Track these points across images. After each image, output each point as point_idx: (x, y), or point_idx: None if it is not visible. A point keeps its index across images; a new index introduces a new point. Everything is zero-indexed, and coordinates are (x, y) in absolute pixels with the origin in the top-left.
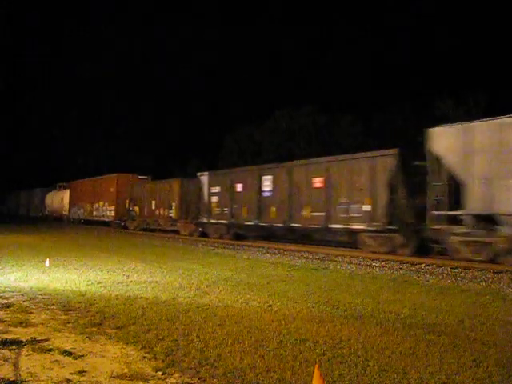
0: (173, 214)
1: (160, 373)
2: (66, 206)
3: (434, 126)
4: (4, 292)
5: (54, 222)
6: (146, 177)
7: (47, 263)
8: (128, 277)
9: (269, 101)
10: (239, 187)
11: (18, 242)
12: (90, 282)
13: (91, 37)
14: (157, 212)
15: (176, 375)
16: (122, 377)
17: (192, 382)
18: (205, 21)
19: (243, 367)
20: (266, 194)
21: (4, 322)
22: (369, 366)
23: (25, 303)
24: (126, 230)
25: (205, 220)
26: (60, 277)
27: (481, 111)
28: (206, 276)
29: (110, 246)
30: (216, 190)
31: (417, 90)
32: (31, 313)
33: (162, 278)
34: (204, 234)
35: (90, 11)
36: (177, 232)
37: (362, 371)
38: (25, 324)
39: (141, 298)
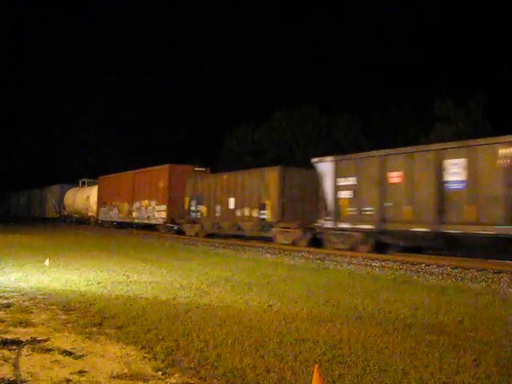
0: (267, 215)
1: (160, 373)
2: (93, 206)
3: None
4: (4, 292)
5: (75, 225)
6: (203, 169)
7: (47, 263)
8: (128, 277)
9: (269, 101)
10: (396, 177)
11: (22, 244)
12: (90, 282)
13: (91, 37)
14: (238, 213)
15: (176, 375)
16: (121, 377)
17: (192, 382)
18: (205, 21)
19: (243, 367)
20: (452, 187)
21: (4, 321)
22: (369, 366)
23: (25, 303)
24: (164, 234)
25: (327, 224)
26: (60, 277)
27: (481, 111)
28: (206, 276)
29: (110, 246)
30: (348, 181)
31: (417, 90)
32: (31, 313)
33: (162, 278)
34: (316, 243)
35: (90, 11)
36: (269, 240)
37: (362, 371)
38: (25, 324)
39: (141, 298)
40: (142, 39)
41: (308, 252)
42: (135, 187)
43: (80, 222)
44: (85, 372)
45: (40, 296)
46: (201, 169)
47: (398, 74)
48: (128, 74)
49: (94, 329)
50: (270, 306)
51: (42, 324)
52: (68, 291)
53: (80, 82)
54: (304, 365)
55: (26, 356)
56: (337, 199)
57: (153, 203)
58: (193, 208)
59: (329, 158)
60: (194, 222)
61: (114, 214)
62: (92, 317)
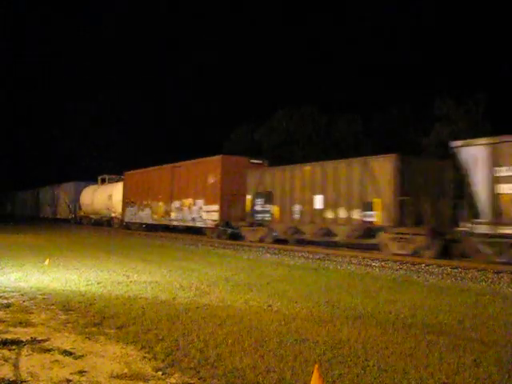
0: (375, 217)
1: (160, 373)
2: (117, 206)
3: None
4: (4, 292)
5: (93, 228)
6: (260, 161)
7: (46, 262)
8: (128, 277)
9: (269, 101)
10: None
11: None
12: (89, 282)
13: (91, 37)
14: (327, 214)
15: (176, 375)
16: (121, 377)
17: (192, 381)
18: (205, 21)
19: (243, 367)
20: None
21: (4, 321)
22: (369, 366)
23: (25, 303)
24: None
25: (478, 229)
26: (60, 277)
27: (481, 111)
28: (206, 276)
29: (110, 246)
30: None
31: (417, 90)
32: (31, 313)
33: (161, 277)
34: (447, 253)
35: (90, 11)
36: (373, 247)
37: (362, 371)
38: (25, 324)
39: (141, 298)
40: (142, 39)
41: (308, 252)
42: (175, 183)
43: (98, 224)
44: (85, 372)
45: (40, 296)
46: (257, 161)
47: (398, 73)
48: (128, 74)
49: (94, 329)
50: (269, 306)
51: (42, 324)
52: (68, 291)
53: (80, 81)
54: (304, 365)
55: (26, 356)
56: (495, 195)
57: (199, 202)
58: (258, 208)
59: (482, 141)
60: (259, 224)
61: (144, 215)
62: (92, 317)
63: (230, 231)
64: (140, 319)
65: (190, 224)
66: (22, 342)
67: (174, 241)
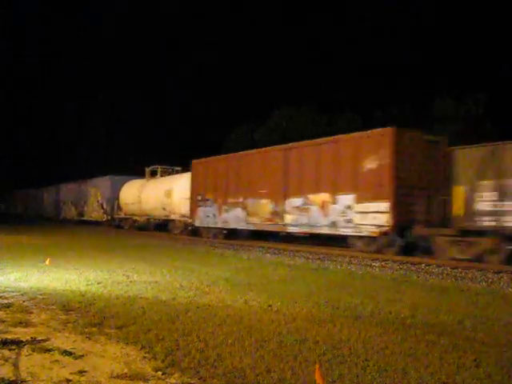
0: None
1: (160, 373)
2: (180, 205)
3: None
4: (4, 292)
5: (148, 235)
6: (434, 138)
7: (46, 262)
8: (128, 277)
9: (269, 101)
10: None
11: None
12: (90, 282)
13: (91, 37)
14: None
15: (176, 375)
16: (121, 377)
17: (192, 381)
18: (205, 21)
19: (243, 367)
20: None
21: (4, 321)
22: (369, 366)
23: (25, 303)
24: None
25: None
26: (60, 277)
27: (481, 111)
28: (206, 276)
29: (110, 246)
30: None
31: (417, 90)
32: (31, 313)
33: (162, 278)
34: None
35: (90, 11)
36: None
37: (362, 371)
38: (25, 324)
39: (141, 298)
40: (142, 39)
41: (308, 252)
42: (291, 172)
43: (142, 228)
44: (85, 372)
45: (40, 296)
46: (432, 138)
47: (398, 73)
48: (128, 74)
49: (94, 329)
50: (269, 306)
51: (42, 324)
52: (68, 291)
53: (80, 81)
54: (304, 365)
55: (26, 356)
56: None
57: (346, 199)
58: (483, 207)
59: None
60: (482, 233)
61: (232, 218)
62: (92, 317)
63: (402, 242)
64: (140, 319)
65: (326, 231)
66: (22, 341)
67: (174, 241)
